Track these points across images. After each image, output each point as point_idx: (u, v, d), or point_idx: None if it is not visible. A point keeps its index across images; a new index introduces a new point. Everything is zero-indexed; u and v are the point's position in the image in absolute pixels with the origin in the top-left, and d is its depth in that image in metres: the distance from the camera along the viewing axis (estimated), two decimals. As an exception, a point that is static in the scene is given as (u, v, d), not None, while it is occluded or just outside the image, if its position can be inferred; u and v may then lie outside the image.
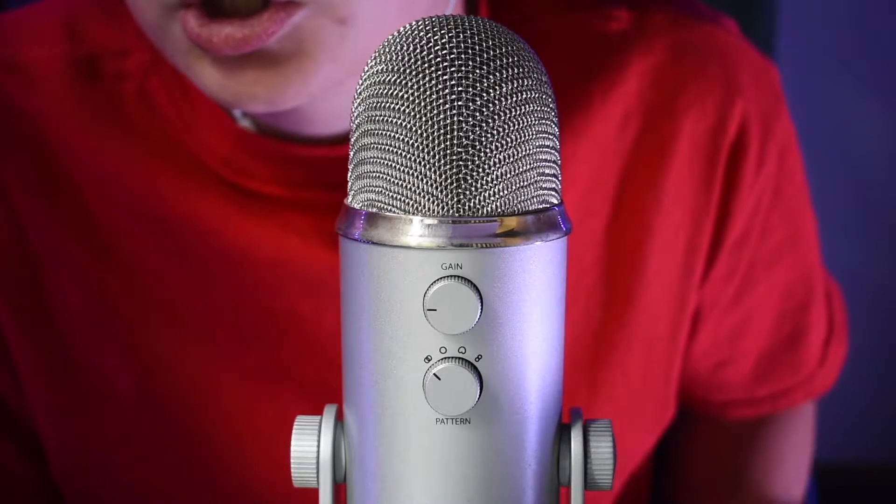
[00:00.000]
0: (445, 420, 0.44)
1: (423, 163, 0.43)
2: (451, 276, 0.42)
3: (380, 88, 0.44)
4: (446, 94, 0.43)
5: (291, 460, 0.47)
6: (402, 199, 0.43)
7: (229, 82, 0.62)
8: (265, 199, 0.73)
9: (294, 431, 0.47)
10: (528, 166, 0.44)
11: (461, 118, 0.42)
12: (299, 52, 0.61)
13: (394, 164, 0.43)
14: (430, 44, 0.43)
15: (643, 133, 0.76)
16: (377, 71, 0.44)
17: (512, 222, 0.43)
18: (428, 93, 0.43)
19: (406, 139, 0.43)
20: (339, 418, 0.47)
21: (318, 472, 0.47)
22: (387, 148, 0.43)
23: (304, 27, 0.60)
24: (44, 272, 0.75)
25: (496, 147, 0.43)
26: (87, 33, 0.75)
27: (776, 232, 0.80)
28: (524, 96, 0.43)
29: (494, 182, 0.43)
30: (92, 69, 0.75)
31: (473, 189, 0.43)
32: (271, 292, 0.74)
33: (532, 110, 0.44)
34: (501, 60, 0.43)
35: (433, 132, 0.42)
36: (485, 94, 0.43)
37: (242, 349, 0.75)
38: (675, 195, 0.76)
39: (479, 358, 0.43)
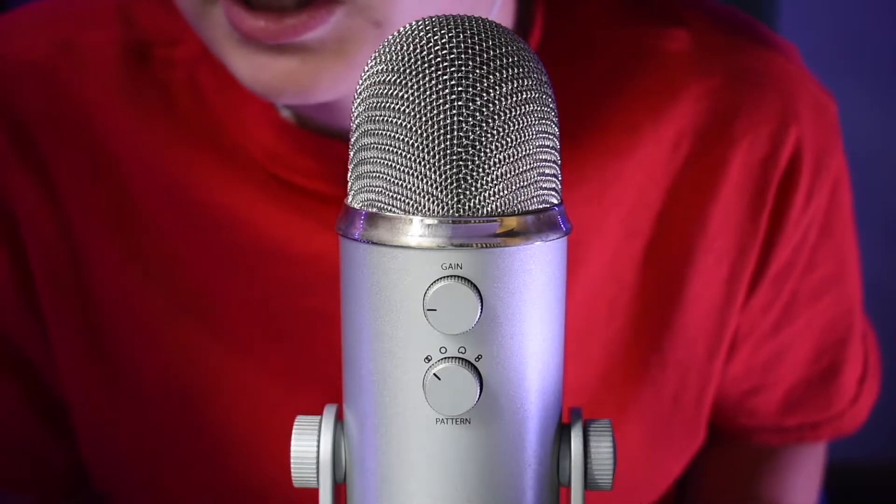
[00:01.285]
0: (445, 420, 0.44)
1: (423, 163, 0.43)
2: (451, 276, 0.42)
3: (380, 88, 0.44)
4: (446, 94, 0.42)
5: (291, 460, 0.47)
6: (402, 199, 0.43)
7: (261, 74, 0.62)
8: (305, 194, 0.73)
9: (294, 431, 0.47)
10: (528, 166, 0.44)
11: (461, 118, 0.42)
12: (333, 51, 0.61)
13: (394, 164, 0.43)
14: (430, 44, 0.43)
15: (694, 157, 0.75)
16: (377, 71, 0.44)
17: (512, 222, 0.43)
18: (428, 93, 0.43)
19: (406, 139, 0.43)
20: (339, 418, 0.47)
21: (318, 472, 0.47)
22: (387, 148, 0.43)
23: (341, 26, 0.61)
24: (81, 256, 0.75)
25: (496, 147, 0.43)
26: (139, 20, 0.76)
27: (821, 266, 0.80)
28: (524, 96, 0.43)
29: (494, 182, 0.43)
30: (142, 56, 0.75)
31: (473, 189, 0.43)
32: (303, 289, 0.74)
33: (532, 110, 0.44)
34: (501, 60, 0.43)
35: (433, 132, 0.42)
36: (485, 94, 0.43)
37: (269, 344, 0.75)
38: (721, 221, 0.76)
39: (479, 358, 0.43)
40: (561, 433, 0.46)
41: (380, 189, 0.44)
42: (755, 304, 0.79)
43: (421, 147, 0.43)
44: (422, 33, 0.44)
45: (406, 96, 0.43)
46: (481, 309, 0.43)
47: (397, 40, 0.44)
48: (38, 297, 0.76)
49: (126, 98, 0.74)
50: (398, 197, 0.43)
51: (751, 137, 0.75)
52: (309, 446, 0.47)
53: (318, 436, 0.47)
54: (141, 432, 0.77)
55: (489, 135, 0.43)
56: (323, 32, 0.60)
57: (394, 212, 0.43)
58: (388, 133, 0.43)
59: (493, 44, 0.43)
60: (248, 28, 0.60)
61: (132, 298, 0.75)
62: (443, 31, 0.43)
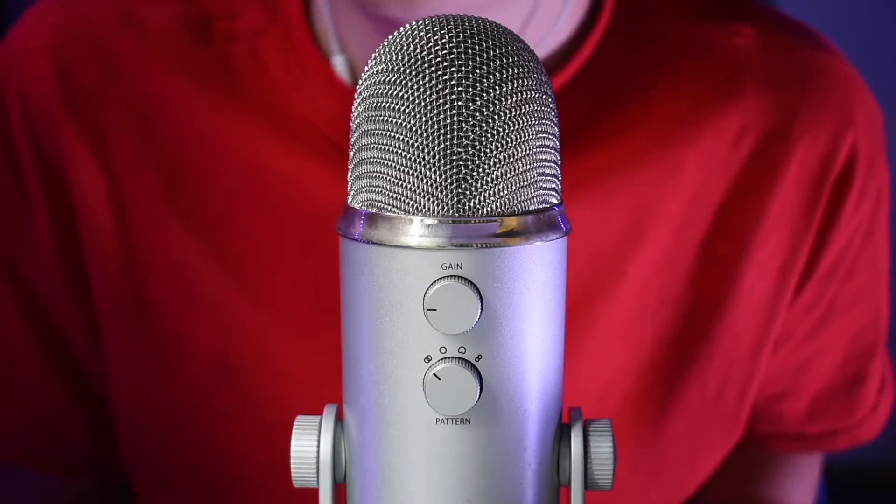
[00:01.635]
0: (445, 420, 0.44)
1: (423, 163, 0.43)
2: (451, 276, 0.42)
3: (380, 88, 0.44)
4: (446, 94, 0.42)
5: (291, 460, 0.47)
6: (402, 199, 0.43)
7: None
8: None
9: (294, 431, 0.47)
10: (528, 166, 0.44)
11: (461, 118, 0.42)
12: None
13: (394, 164, 0.43)
14: (430, 44, 0.43)
15: (756, 152, 0.76)
16: (377, 71, 0.44)
17: (512, 222, 0.43)
18: (428, 93, 0.43)
19: (406, 139, 0.43)
20: (339, 418, 0.47)
21: (318, 472, 0.47)
22: (387, 148, 0.43)
23: None
24: (132, 226, 0.75)
25: (496, 147, 0.43)
26: None
27: (861, 273, 0.81)
28: (524, 96, 0.43)
29: (494, 182, 0.43)
30: (203, 29, 0.75)
31: (473, 189, 0.43)
32: None
33: (532, 110, 0.44)
34: (501, 60, 0.43)
35: (433, 132, 0.42)
36: (485, 94, 0.43)
37: (320, 318, 0.74)
38: (777, 217, 0.76)
39: (479, 358, 0.43)
40: (561, 433, 0.46)
41: (380, 189, 0.44)
42: (800, 304, 0.79)
43: (421, 147, 0.43)
44: (422, 33, 0.44)
45: (406, 96, 0.43)
46: (481, 309, 0.43)
47: (397, 40, 0.44)
48: (84, 268, 0.76)
49: (186, 72, 0.75)
50: (398, 197, 0.43)
51: (811, 136, 0.76)
52: (309, 446, 0.47)
53: (318, 436, 0.47)
54: (186, 407, 0.77)
55: (489, 135, 0.43)
56: None
57: (394, 212, 0.43)
58: (389, 133, 0.43)
59: (493, 44, 0.43)
60: None
61: (183, 270, 0.75)
62: (443, 31, 0.43)
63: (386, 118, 0.43)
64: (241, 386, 0.76)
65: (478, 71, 0.43)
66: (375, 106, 0.44)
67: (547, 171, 0.45)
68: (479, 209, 0.43)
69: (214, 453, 0.78)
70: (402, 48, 0.44)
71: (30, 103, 0.76)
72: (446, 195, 0.43)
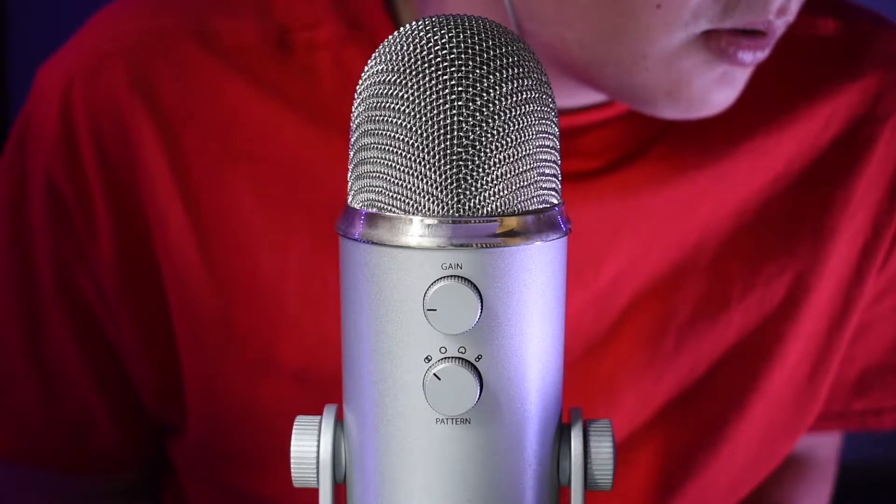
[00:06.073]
0: (445, 420, 0.44)
1: (423, 163, 0.43)
2: (451, 275, 0.42)
3: (380, 88, 0.44)
4: (446, 94, 0.42)
5: (291, 460, 0.47)
6: (402, 199, 0.43)
7: (720, 99, 0.68)
8: None
9: (294, 431, 0.47)
10: (529, 166, 0.44)
11: (461, 118, 0.42)
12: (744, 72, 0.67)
13: (394, 164, 0.43)
14: (430, 44, 0.43)
15: (843, 134, 0.78)
16: (377, 71, 0.44)
17: (512, 222, 0.43)
18: (428, 93, 0.43)
19: (406, 139, 0.43)
20: (339, 418, 0.47)
21: (318, 472, 0.47)
22: (387, 148, 0.43)
23: None
24: (213, 246, 0.74)
25: (496, 147, 0.43)
26: (274, 5, 0.75)
27: None
28: (524, 96, 0.43)
29: (494, 182, 0.43)
30: (282, 42, 0.74)
31: (473, 189, 0.43)
32: None
33: (532, 110, 0.44)
34: (501, 60, 0.43)
35: (433, 132, 0.42)
36: (485, 94, 0.43)
37: None
38: (862, 198, 0.78)
39: (479, 358, 0.43)
40: (561, 433, 0.46)
41: (380, 189, 0.44)
42: (877, 283, 0.81)
43: (421, 147, 0.43)
44: (422, 33, 0.44)
45: (406, 96, 0.43)
46: (481, 309, 0.43)
47: (397, 40, 0.44)
48: (151, 286, 0.75)
49: (267, 86, 0.73)
50: (398, 197, 0.43)
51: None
52: (309, 446, 0.47)
53: (318, 436, 0.47)
54: (265, 415, 0.76)
55: (489, 135, 0.43)
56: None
57: (394, 212, 0.43)
58: (389, 133, 0.43)
59: (493, 44, 0.43)
60: (742, 61, 0.66)
61: (267, 287, 0.74)
62: (443, 31, 0.43)
63: (386, 118, 0.43)
64: (325, 397, 0.75)
65: (478, 71, 0.43)
66: (375, 106, 0.44)
67: (547, 170, 0.44)
68: (479, 209, 0.43)
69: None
70: (402, 48, 0.44)
71: (100, 112, 0.74)
72: (446, 195, 0.43)
